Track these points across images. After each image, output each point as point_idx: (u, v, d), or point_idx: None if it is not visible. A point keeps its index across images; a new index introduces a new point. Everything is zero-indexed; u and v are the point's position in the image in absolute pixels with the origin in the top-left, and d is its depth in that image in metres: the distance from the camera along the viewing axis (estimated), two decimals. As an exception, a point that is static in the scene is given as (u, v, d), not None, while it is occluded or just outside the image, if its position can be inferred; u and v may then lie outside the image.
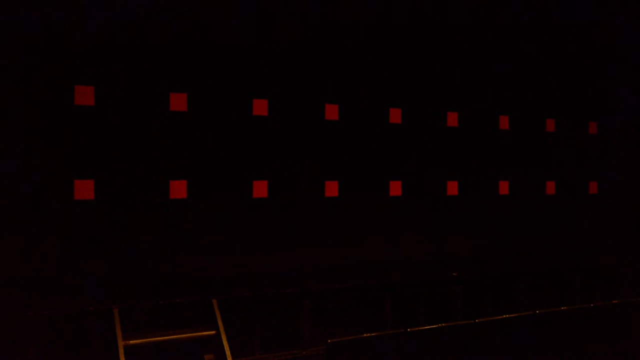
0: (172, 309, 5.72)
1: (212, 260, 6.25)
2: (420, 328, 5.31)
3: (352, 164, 7.08)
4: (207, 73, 6.28)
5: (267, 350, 6.15)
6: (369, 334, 5.10)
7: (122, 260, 5.85)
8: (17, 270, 5.41)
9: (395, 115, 7.36)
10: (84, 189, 5.67)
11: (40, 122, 5.52)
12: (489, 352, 5.50)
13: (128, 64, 5.90)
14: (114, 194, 5.82)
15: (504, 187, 8.16)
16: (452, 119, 7.76)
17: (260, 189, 6.53)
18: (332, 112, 6.96)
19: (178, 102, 6.12)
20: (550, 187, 8.58)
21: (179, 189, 6.11)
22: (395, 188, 7.35)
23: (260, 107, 6.54)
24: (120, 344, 5.23)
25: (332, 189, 6.94)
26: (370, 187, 7.21)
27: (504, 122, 8.17)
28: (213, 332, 5.70)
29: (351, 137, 7.08)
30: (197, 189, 6.20)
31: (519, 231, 8.29)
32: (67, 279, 5.59)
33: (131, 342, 5.33)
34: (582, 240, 8.76)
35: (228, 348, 5.59)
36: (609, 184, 9.08)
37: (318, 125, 6.89)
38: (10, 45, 5.41)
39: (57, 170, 5.59)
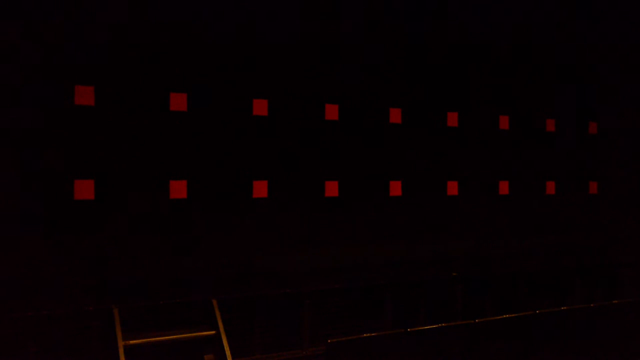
0: (172, 309, 5.72)
1: (212, 260, 6.25)
2: (420, 328, 5.32)
3: (352, 164, 7.08)
4: (207, 73, 6.28)
5: (267, 350, 6.15)
6: (369, 334, 5.10)
7: (122, 260, 5.84)
8: (16, 270, 5.41)
9: (395, 115, 7.36)
10: (84, 189, 5.67)
11: (40, 122, 5.52)
12: (489, 352, 5.50)
13: (128, 64, 5.90)
14: (114, 194, 5.82)
15: (504, 187, 8.16)
16: (452, 119, 7.76)
17: (260, 189, 6.53)
18: (332, 112, 6.96)
19: (178, 102, 6.12)
20: (550, 187, 8.58)
21: (179, 189, 6.11)
22: (395, 188, 7.36)
23: (260, 107, 6.55)
24: (120, 344, 5.22)
25: (332, 189, 6.94)
26: (370, 187, 7.21)
27: (504, 122, 8.18)
28: (213, 332, 5.70)
29: (351, 137, 7.08)
30: (197, 189, 6.20)
31: (519, 231, 8.28)
32: (67, 279, 5.58)
33: (131, 342, 5.33)
34: (582, 240, 8.76)
35: (228, 348, 5.59)
36: (609, 184, 9.08)
37: (318, 125, 6.89)
38: (10, 44, 5.41)
39: (57, 170, 5.58)
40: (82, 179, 5.67)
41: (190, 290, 5.96)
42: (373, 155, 7.23)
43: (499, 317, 5.74)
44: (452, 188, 7.76)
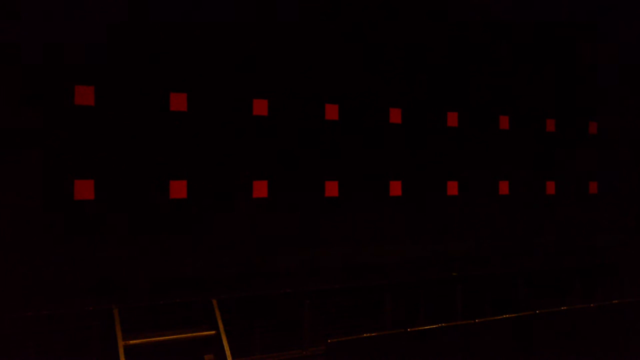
0: (172, 309, 5.72)
1: (212, 260, 6.25)
2: (420, 328, 5.31)
3: (352, 164, 7.08)
4: (207, 73, 6.28)
5: (267, 350, 6.15)
6: (369, 334, 5.09)
7: (122, 260, 5.84)
8: (16, 270, 5.41)
9: (395, 115, 7.36)
10: (84, 189, 5.67)
11: (40, 122, 5.51)
12: (489, 352, 5.50)
13: (128, 64, 5.90)
14: (114, 194, 5.82)
15: (504, 187, 8.16)
16: (452, 119, 7.76)
17: (260, 189, 6.53)
18: (332, 112, 6.96)
19: (178, 102, 6.12)
20: (550, 187, 8.58)
21: (179, 189, 6.11)
22: (395, 188, 7.35)
23: (260, 107, 6.54)
24: (120, 344, 5.22)
25: (332, 189, 6.94)
26: (370, 187, 7.21)
27: (504, 122, 8.17)
28: (213, 332, 5.70)
29: (351, 137, 7.08)
30: (197, 189, 6.20)
31: (519, 231, 8.28)
32: (67, 279, 5.58)
33: (131, 342, 5.33)
34: (582, 240, 8.76)
35: (228, 348, 5.59)
36: (609, 184, 9.08)
37: (318, 125, 6.89)
38: (10, 44, 5.41)
39: (57, 170, 5.58)
40: (82, 179, 5.68)
41: (190, 290, 5.96)
42: (373, 155, 7.23)
43: (499, 317, 5.73)
44: (452, 188, 7.76)
